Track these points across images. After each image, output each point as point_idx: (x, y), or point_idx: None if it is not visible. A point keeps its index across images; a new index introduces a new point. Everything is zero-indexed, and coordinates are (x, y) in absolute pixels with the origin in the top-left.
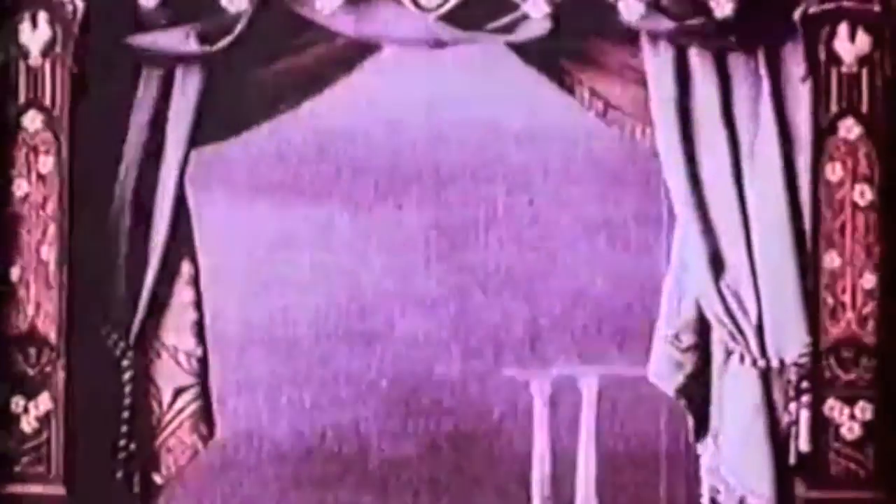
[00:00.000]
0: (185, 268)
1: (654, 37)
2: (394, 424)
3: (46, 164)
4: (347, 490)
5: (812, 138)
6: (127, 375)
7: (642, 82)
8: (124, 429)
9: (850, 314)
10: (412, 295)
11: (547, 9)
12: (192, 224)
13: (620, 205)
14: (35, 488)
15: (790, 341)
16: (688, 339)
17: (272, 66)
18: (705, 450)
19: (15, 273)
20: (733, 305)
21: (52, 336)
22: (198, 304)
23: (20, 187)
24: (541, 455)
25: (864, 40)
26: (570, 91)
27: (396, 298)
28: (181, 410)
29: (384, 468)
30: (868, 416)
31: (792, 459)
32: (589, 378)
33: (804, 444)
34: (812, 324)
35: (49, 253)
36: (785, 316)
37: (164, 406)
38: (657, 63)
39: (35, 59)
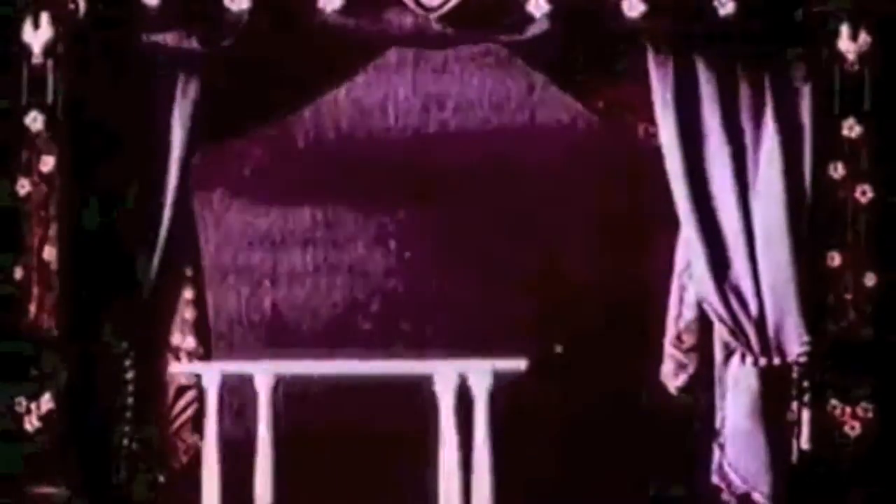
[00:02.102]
0: (187, 267)
1: (657, 36)
2: (396, 422)
3: (48, 163)
4: (349, 488)
5: (814, 137)
6: (129, 375)
7: (644, 81)
8: (127, 428)
9: (851, 313)
10: (414, 293)
11: (549, 8)
12: (195, 224)
13: (622, 203)
14: (38, 488)
15: (791, 340)
16: (690, 339)
17: (274, 66)
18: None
19: (17, 273)
20: (735, 304)
21: (54, 336)
22: (199, 304)
23: (23, 186)
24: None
25: (865, 40)
26: (572, 90)
27: (398, 297)
28: (183, 409)
29: (388, 466)
30: (869, 414)
31: (794, 457)
32: (478, 374)
33: (806, 443)
34: (813, 323)
35: (51, 253)
36: (786, 314)
37: (167, 406)
38: (659, 62)
39: (37, 58)
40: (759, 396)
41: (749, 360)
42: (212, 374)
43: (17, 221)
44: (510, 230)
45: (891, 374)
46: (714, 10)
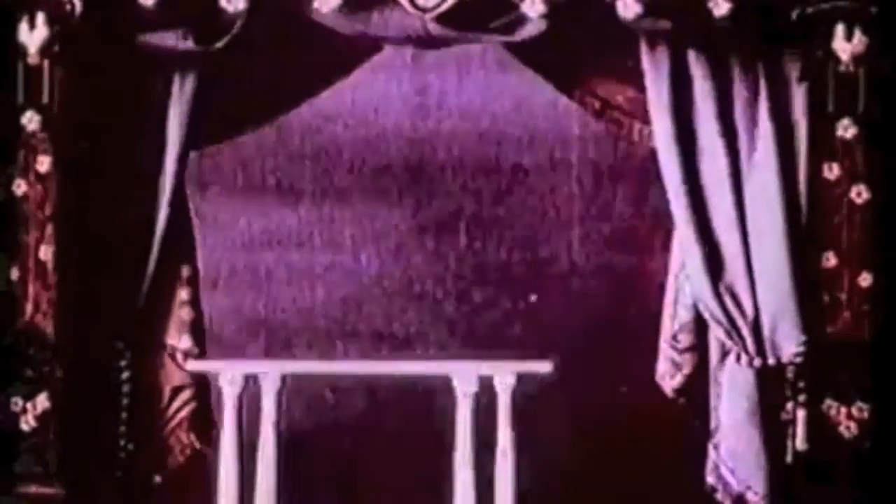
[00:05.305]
0: (183, 267)
1: (652, 37)
2: (392, 422)
3: (44, 163)
4: (349, 488)
5: (809, 138)
6: (125, 375)
7: (640, 82)
8: (122, 428)
9: (846, 313)
10: (411, 294)
11: (544, 9)
12: (191, 224)
13: (617, 204)
14: (33, 488)
15: (787, 340)
16: (686, 340)
17: (270, 66)
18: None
19: (14, 273)
20: (730, 304)
21: (51, 336)
22: (195, 304)
23: (19, 187)
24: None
25: (861, 40)
26: (567, 91)
27: (394, 297)
28: (179, 409)
29: (386, 466)
30: (865, 415)
31: (789, 458)
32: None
33: (801, 443)
34: (809, 323)
35: (47, 253)
36: (782, 315)
37: (162, 405)
38: (654, 63)
39: (33, 58)
40: (755, 397)
41: (744, 360)
42: (231, 375)
43: (13, 221)
44: (508, 230)
45: (886, 374)
46: (709, 10)
